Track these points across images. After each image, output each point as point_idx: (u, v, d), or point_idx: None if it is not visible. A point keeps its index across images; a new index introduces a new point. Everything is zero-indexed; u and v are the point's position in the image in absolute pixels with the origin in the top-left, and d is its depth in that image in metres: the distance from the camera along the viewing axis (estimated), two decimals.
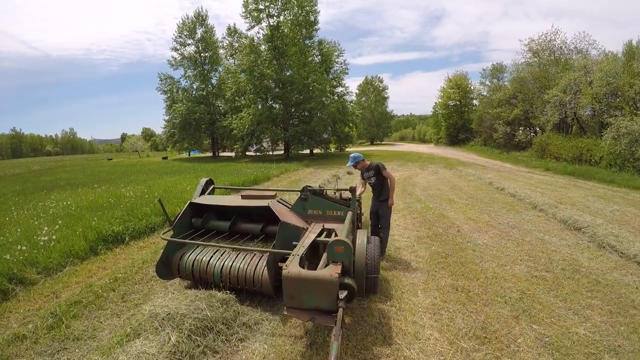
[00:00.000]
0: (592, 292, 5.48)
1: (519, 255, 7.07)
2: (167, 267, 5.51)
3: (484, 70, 50.35)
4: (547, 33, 35.45)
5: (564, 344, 4.17)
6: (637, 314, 4.84)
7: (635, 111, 22.39)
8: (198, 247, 5.60)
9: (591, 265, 6.58)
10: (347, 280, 3.85)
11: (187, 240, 5.43)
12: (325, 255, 4.22)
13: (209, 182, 7.05)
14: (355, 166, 6.78)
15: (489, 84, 48.20)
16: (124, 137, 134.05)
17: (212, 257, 5.36)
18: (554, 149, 27.33)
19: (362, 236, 4.84)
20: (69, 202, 12.03)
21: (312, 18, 38.86)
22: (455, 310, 4.93)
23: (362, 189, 7.00)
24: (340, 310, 3.62)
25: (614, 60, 27.11)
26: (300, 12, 37.57)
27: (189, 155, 60.29)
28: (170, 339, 3.87)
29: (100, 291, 5.62)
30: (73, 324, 4.71)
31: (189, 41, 48.08)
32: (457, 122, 54.47)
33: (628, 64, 26.11)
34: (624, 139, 20.02)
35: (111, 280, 6.05)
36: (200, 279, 5.34)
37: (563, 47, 34.66)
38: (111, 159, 65.38)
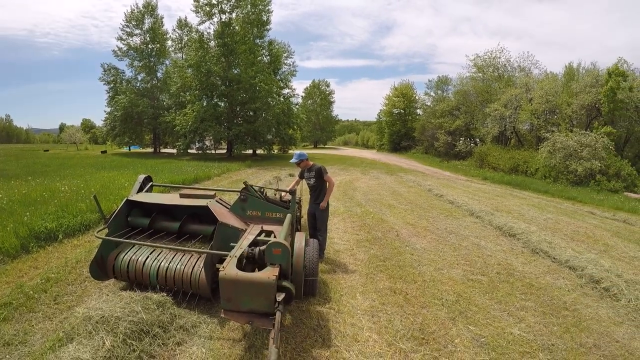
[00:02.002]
0: (526, 295, 5.63)
1: (456, 260, 7.12)
2: (102, 267, 5.15)
3: (429, 81, 52.12)
4: (492, 50, 37.28)
5: (499, 344, 4.26)
6: (569, 314, 5.04)
7: (571, 128, 23.74)
8: (134, 246, 5.32)
9: (525, 269, 6.74)
10: (285, 283, 3.86)
11: (121, 239, 5.09)
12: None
13: (147, 179, 6.65)
14: (298, 164, 6.67)
15: (434, 94, 49.97)
16: (62, 128, 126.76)
17: (148, 257, 5.11)
18: (492, 160, 28.47)
19: (300, 238, 4.74)
20: (0, 195, 11.13)
21: (264, 17, 38.38)
22: (394, 313, 4.92)
23: (294, 186, 6.84)
24: (278, 313, 3.58)
25: (554, 80, 28.81)
26: (252, 10, 37.02)
27: (129, 150, 57.96)
28: (104, 343, 3.68)
29: (31, 292, 5.23)
30: (3, 328, 4.36)
31: (137, 31, 45.95)
32: (400, 130, 55.75)
33: (567, 84, 27.81)
34: (559, 153, 21.19)
35: (43, 281, 5.64)
36: (136, 280, 5.08)
37: (507, 65, 36.62)
38: (48, 150, 61.70)
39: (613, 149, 21.32)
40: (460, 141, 36.74)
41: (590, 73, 26.63)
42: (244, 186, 6.19)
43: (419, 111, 55.05)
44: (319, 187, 6.64)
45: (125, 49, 45.89)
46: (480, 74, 38.45)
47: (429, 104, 50.00)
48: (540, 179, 22.02)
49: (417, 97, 56.02)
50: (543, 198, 16.36)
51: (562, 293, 5.73)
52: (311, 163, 6.72)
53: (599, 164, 19.68)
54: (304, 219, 8.30)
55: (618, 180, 19.69)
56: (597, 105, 24.45)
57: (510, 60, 36.31)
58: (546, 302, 5.37)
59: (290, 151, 44.58)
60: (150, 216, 5.90)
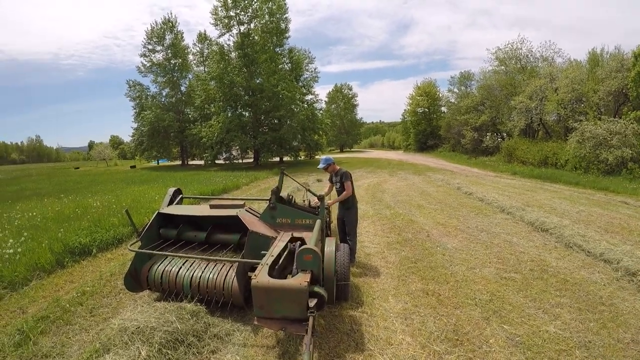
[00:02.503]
0: (560, 291, 5.54)
1: (488, 258, 7.08)
2: (136, 279, 5.32)
3: (452, 77, 51.29)
4: (513, 42, 36.59)
5: (535, 343, 4.20)
6: (606, 310, 4.94)
7: (599, 116, 23.16)
8: (167, 258, 5.43)
9: (559, 265, 6.65)
10: (317, 289, 3.85)
11: (155, 252, 5.27)
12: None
13: (177, 192, 6.83)
14: (326, 169, 6.77)
15: (457, 91, 49.11)
16: (91, 145, 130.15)
17: (181, 268, 5.21)
18: (520, 154, 27.91)
19: (331, 244, 4.79)
20: (34, 213, 11.56)
21: (282, 26, 38.79)
22: (427, 314, 4.90)
23: (327, 190, 7.08)
24: (311, 318, 3.60)
25: (578, 68, 28.11)
26: (270, 19, 37.41)
27: (158, 163, 59.19)
28: (140, 353, 3.75)
29: (67, 305, 5.39)
30: (41, 341, 4.51)
31: (158, 47, 47.31)
32: (426, 129, 55.18)
33: (592, 71, 27.07)
34: (589, 143, 20.64)
35: (79, 294, 5.82)
36: (170, 291, 5.18)
37: (529, 55, 35.83)
38: (78, 168, 63.72)
39: None
40: (487, 137, 36.11)
41: (615, 57, 25.85)
42: (279, 183, 6.31)
43: (443, 109, 54.36)
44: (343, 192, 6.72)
45: (148, 65, 47.21)
46: (502, 67, 37.78)
47: (453, 100, 49.18)
48: (570, 171, 21.46)
49: (440, 95, 55.42)
50: (574, 190, 16.01)
51: (597, 288, 5.63)
52: (338, 167, 6.82)
53: (630, 152, 19.03)
54: (334, 224, 8.34)
55: None
56: (624, 91, 23.72)
57: (532, 51, 35.56)
58: (582, 298, 5.29)
59: (317, 157, 44.75)
60: (191, 229, 6.06)
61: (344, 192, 6.64)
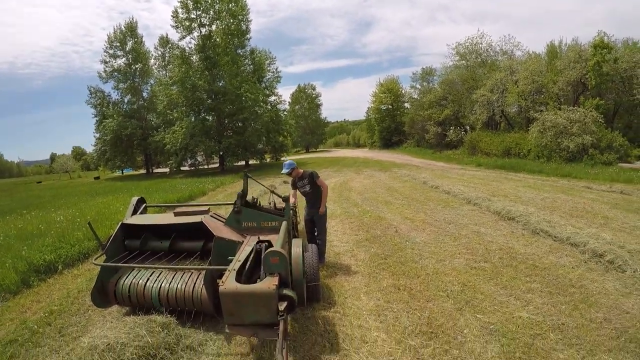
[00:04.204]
0: (530, 277, 5.63)
1: (457, 249, 7.10)
2: (103, 295, 5.10)
3: (414, 74, 51.76)
4: (473, 37, 37.41)
5: (509, 329, 4.24)
6: (576, 291, 5.04)
7: (558, 105, 23.81)
8: (133, 270, 5.26)
9: (527, 251, 6.74)
10: (286, 291, 3.83)
11: (119, 264, 5.12)
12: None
13: (141, 201, 6.61)
14: (290, 173, 6.61)
15: (420, 87, 49.73)
16: (53, 158, 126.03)
17: (148, 279, 5.05)
18: (484, 146, 28.52)
19: (298, 245, 4.80)
20: None
21: (243, 27, 38.35)
22: (400, 310, 4.89)
23: (293, 199, 6.89)
24: (282, 322, 3.57)
25: (537, 60, 28.90)
26: (232, 21, 36.92)
27: (122, 173, 57.90)
28: None
29: (36, 327, 5.19)
30: None
31: (119, 53, 45.96)
32: (390, 125, 55.62)
33: (551, 63, 27.87)
34: (550, 132, 21.26)
35: (46, 314, 5.60)
36: (139, 304, 5.03)
37: (489, 50, 36.67)
38: (40, 182, 61.77)
39: (603, 122, 21.38)
40: (451, 130, 36.65)
41: (573, 49, 26.65)
42: (240, 192, 6.14)
43: (406, 105, 54.84)
44: (314, 192, 6.59)
45: (109, 71, 45.88)
46: (463, 62, 38.47)
47: (415, 96, 49.84)
48: (533, 160, 22.04)
49: (403, 91, 55.79)
50: (538, 178, 16.40)
51: (566, 271, 5.72)
52: (302, 171, 6.67)
53: (590, 138, 19.70)
54: (301, 225, 8.23)
55: (611, 152, 19.70)
56: (582, 81, 24.48)
57: (491, 45, 36.37)
58: (552, 282, 5.36)
59: (282, 158, 44.57)
60: (155, 239, 5.91)
61: (324, 189, 6.57)
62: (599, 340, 3.92)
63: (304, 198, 6.83)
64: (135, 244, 5.75)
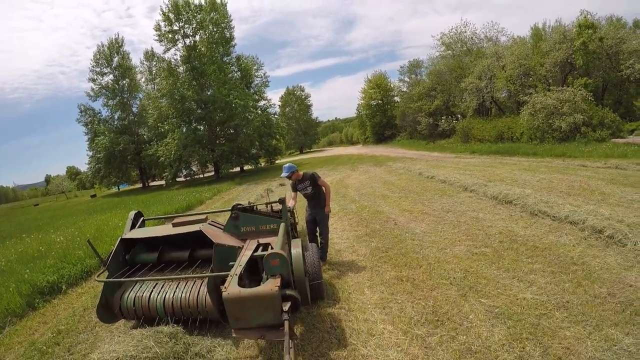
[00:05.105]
0: (532, 258, 5.63)
1: (457, 237, 7.11)
2: (108, 310, 5.12)
3: (401, 67, 51.77)
4: (457, 26, 37.64)
5: (514, 311, 4.24)
6: (578, 269, 5.03)
7: (547, 87, 23.86)
8: (136, 283, 5.29)
9: (527, 233, 6.74)
10: (289, 291, 3.87)
11: (122, 279, 5.13)
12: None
13: (138, 215, 6.58)
14: (289, 177, 6.58)
15: (408, 80, 49.75)
16: (48, 180, 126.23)
17: (152, 291, 5.09)
18: (476, 132, 28.55)
19: (298, 245, 4.82)
20: None
21: (227, 35, 38.54)
22: (404, 300, 4.89)
23: (293, 202, 6.94)
24: (287, 322, 3.58)
25: (523, 44, 29.04)
26: (215, 30, 37.07)
27: (119, 189, 58.04)
28: None
29: (44, 348, 5.21)
30: None
31: (106, 70, 46.02)
32: (382, 120, 55.49)
33: (536, 46, 27.96)
34: (541, 114, 21.30)
35: (54, 334, 5.60)
36: (144, 316, 5.04)
37: (474, 38, 36.86)
38: (37, 205, 61.89)
39: (592, 100, 21.42)
40: (442, 120, 36.73)
41: (557, 30, 26.75)
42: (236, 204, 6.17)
43: (396, 98, 54.89)
44: (316, 193, 6.61)
45: (97, 88, 45.91)
46: (449, 52, 38.65)
47: (405, 89, 49.94)
48: (526, 143, 22.06)
49: (392, 85, 55.83)
50: (533, 160, 16.45)
51: (567, 249, 5.72)
52: (301, 173, 6.64)
53: (582, 117, 19.71)
54: (300, 225, 8.27)
55: (603, 128, 19.71)
56: (569, 61, 24.55)
57: (476, 33, 36.51)
58: (553, 261, 5.36)
59: (277, 162, 44.55)
60: (147, 251, 5.92)
61: (327, 189, 6.63)
62: (605, 315, 3.91)
63: (305, 199, 6.83)
64: (138, 257, 5.80)
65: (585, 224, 6.44)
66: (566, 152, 16.92)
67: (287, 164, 6.69)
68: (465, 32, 36.76)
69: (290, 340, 3.42)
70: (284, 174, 6.54)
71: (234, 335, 3.86)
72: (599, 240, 5.90)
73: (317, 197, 6.63)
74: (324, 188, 6.63)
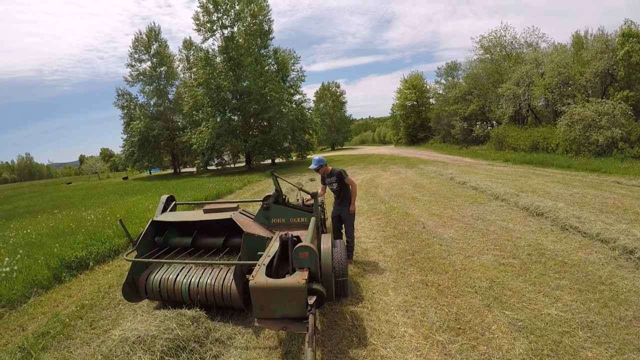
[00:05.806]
0: (559, 274, 5.57)
1: (485, 245, 7.09)
2: (134, 289, 5.28)
3: (438, 69, 51.29)
4: (497, 29, 36.64)
5: (537, 326, 4.21)
6: (606, 289, 4.96)
7: (586, 98, 23.22)
8: (163, 265, 5.40)
9: (556, 247, 6.67)
10: (315, 286, 3.86)
11: (150, 260, 5.21)
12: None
13: (170, 199, 6.79)
14: (317, 170, 6.67)
15: (444, 82, 49.08)
16: (82, 159, 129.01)
17: (178, 274, 5.19)
18: (511, 140, 28.03)
19: (327, 240, 4.73)
20: (28, 230, 11.57)
21: (265, 27, 38.74)
22: (427, 305, 4.90)
23: (323, 192, 6.99)
24: (311, 316, 3.58)
25: (563, 52, 28.17)
26: (253, 21, 37.35)
27: (150, 173, 59.00)
28: None
29: (67, 320, 5.36)
30: (42, 357, 4.48)
31: (144, 57, 47.20)
32: (416, 122, 55.01)
33: (577, 54, 27.11)
34: (578, 125, 20.74)
35: (78, 308, 5.79)
36: (169, 298, 5.16)
37: (513, 42, 35.87)
38: (70, 183, 63.35)
39: (632, 115, 20.72)
40: (477, 126, 36.26)
41: (599, 39, 25.88)
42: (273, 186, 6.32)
43: (432, 100, 54.27)
44: (342, 190, 6.64)
45: (135, 74, 47.07)
46: (488, 55, 37.80)
47: (440, 92, 49.32)
48: (561, 154, 21.57)
49: (428, 87, 55.23)
50: (567, 173, 16.11)
51: (596, 268, 5.65)
52: (330, 168, 6.70)
53: (620, 131, 19.12)
54: (329, 221, 8.30)
55: None
56: (610, 72, 23.80)
57: (516, 37, 35.55)
58: (581, 279, 5.31)
59: (309, 156, 44.70)
60: (180, 235, 6.07)
61: (353, 187, 6.65)
62: (628, 338, 3.89)
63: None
64: (167, 240, 5.97)
65: (616, 243, 6.37)
66: (602, 167, 16.50)
67: (316, 157, 6.75)
68: (505, 36, 35.84)
69: (313, 335, 3.40)
70: (312, 166, 6.60)
71: (256, 324, 3.85)
72: (629, 261, 5.82)
73: (343, 194, 6.67)
74: (350, 187, 6.65)
